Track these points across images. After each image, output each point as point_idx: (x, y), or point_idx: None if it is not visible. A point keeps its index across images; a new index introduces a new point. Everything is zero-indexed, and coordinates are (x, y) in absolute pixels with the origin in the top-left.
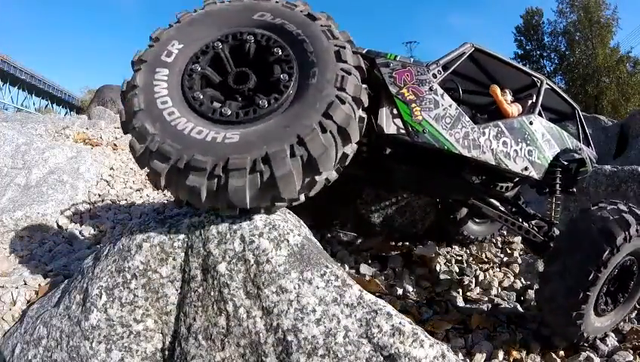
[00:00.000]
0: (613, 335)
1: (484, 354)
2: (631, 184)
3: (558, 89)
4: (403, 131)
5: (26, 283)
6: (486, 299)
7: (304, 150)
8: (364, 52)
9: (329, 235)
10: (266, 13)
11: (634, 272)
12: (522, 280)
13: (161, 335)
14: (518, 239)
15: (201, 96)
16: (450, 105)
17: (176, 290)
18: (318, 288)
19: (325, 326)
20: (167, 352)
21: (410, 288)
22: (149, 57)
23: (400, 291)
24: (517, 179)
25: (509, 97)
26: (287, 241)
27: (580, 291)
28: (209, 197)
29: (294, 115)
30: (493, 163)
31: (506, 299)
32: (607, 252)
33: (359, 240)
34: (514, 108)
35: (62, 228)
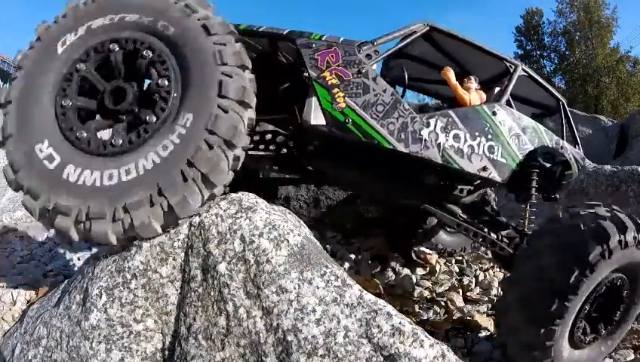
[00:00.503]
0: None
1: (484, 354)
2: (631, 184)
3: (538, 78)
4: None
5: (26, 283)
6: (486, 299)
7: (217, 138)
8: (285, 33)
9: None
10: (114, 16)
11: (623, 296)
12: None
13: (161, 335)
14: None
15: (85, 134)
16: (384, 91)
17: (176, 290)
18: (318, 288)
19: (325, 326)
20: (167, 352)
21: (410, 288)
22: (13, 129)
23: (400, 291)
24: (478, 181)
25: (474, 84)
26: (287, 241)
27: (554, 302)
28: (164, 227)
29: (192, 109)
30: (440, 161)
31: None
32: (596, 252)
33: (359, 241)
34: (473, 96)
35: None
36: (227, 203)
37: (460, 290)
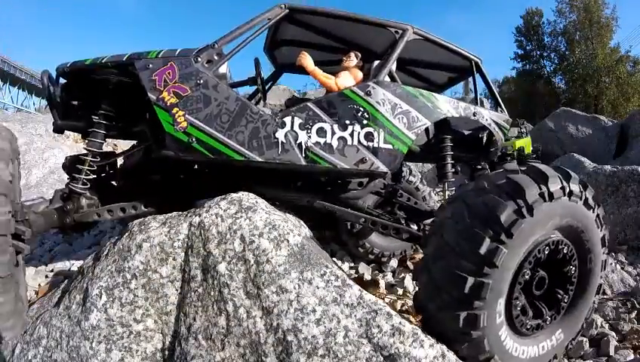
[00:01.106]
0: (613, 334)
1: None
2: (631, 184)
3: (440, 39)
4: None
5: (25, 284)
6: None
7: None
8: (124, 59)
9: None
10: None
11: (572, 266)
12: None
13: (161, 335)
14: None
15: None
16: (227, 98)
17: (176, 290)
18: (318, 288)
19: (325, 326)
20: (167, 352)
21: (410, 288)
22: None
23: (400, 291)
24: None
25: (354, 61)
26: (287, 241)
27: (466, 280)
28: None
29: None
30: (303, 162)
31: None
32: (509, 210)
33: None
34: (343, 78)
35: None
36: (227, 203)
37: None
